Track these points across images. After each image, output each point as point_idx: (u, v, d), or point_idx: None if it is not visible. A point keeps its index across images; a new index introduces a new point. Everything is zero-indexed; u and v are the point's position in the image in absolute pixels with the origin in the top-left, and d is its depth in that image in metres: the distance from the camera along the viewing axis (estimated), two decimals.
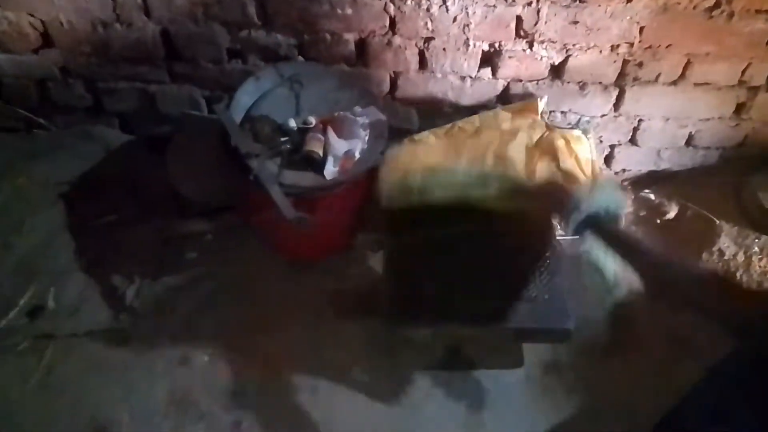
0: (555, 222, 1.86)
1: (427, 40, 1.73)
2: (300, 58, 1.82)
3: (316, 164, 1.55)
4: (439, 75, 1.81)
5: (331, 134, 1.58)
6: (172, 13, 1.75)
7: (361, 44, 1.77)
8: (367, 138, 1.61)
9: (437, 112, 1.92)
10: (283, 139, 1.60)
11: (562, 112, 1.90)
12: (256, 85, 1.68)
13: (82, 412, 1.57)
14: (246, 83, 1.67)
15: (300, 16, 1.71)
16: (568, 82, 1.80)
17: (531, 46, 1.72)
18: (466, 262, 1.65)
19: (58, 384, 1.61)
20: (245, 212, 1.68)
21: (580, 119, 1.90)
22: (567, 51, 1.72)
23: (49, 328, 1.68)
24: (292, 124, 1.61)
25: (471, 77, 1.81)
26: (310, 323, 1.73)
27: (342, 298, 1.77)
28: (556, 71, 1.78)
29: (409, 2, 1.64)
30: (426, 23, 1.68)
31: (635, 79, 1.77)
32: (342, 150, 1.56)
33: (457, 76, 1.81)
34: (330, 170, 1.54)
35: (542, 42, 1.70)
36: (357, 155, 1.59)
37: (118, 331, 1.69)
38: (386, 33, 1.73)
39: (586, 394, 1.63)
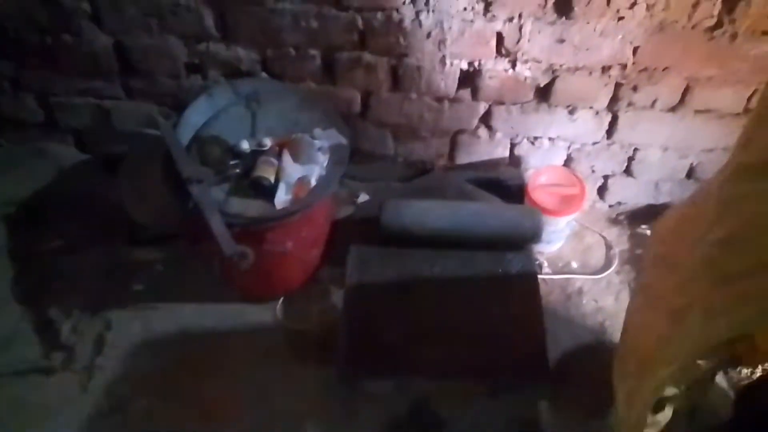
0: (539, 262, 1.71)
1: (400, 57, 1.58)
2: (264, 74, 1.67)
3: (267, 191, 1.39)
4: (414, 95, 1.65)
5: (286, 158, 1.42)
6: (124, 25, 1.61)
7: (329, 61, 1.62)
8: (325, 163, 1.45)
9: (413, 136, 1.76)
10: (233, 162, 1.44)
11: (550, 139, 1.73)
12: (208, 102, 1.53)
13: None
14: (197, 100, 1.52)
15: (261, 29, 1.56)
16: (556, 106, 1.63)
17: (514, 66, 1.55)
18: (435, 303, 1.49)
19: None
20: (190, 243, 1.52)
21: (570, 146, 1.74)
22: (554, 72, 1.55)
23: None
24: (245, 146, 1.46)
25: (449, 99, 1.65)
26: (262, 367, 1.55)
27: (299, 339, 1.59)
28: (542, 94, 1.61)
29: (379, 16, 1.49)
30: (398, 39, 1.53)
31: (629, 104, 1.60)
32: (296, 176, 1.40)
33: (434, 98, 1.65)
34: (281, 198, 1.38)
35: (526, 61, 1.54)
36: (313, 182, 1.42)
37: (46, 371, 1.52)
38: (355, 48, 1.58)
39: None
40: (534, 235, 1.56)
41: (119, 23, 1.61)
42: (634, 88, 1.55)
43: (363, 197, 1.88)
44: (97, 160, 1.93)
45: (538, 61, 1.54)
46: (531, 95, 1.62)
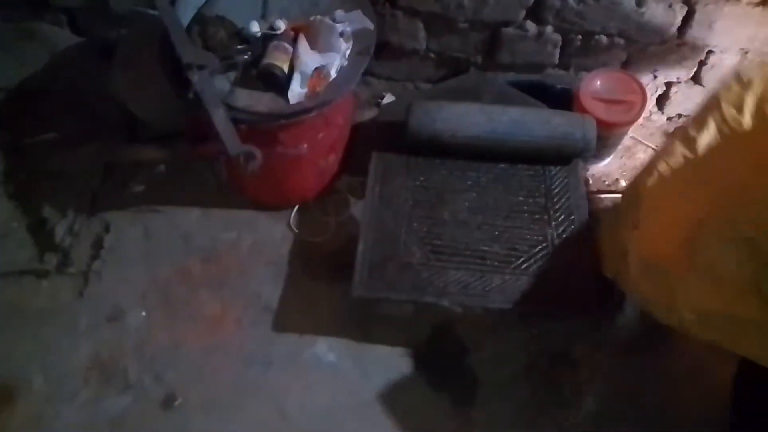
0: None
1: None
2: None
3: (279, 83, 1.19)
4: None
5: (302, 44, 1.21)
6: None
7: None
8: (347, 52, 1.24)
9: (449, 28, 1.52)
10: (240, 47, 1.24)
11: (608, 36, 1.48)
12: None
13: None
14: None
15: None
16: None
17: None
18: (465, 221, 1.32)
19: None
20: (193, 140, 1.34)
21: None
22: None
23: None
24: (256, 28, 1.25)
25: None
26: (271, 281, 1.42)
27: (312, 253, 1.45)
28: None
29: None
30: None
31: None
32: (313, 66, 1.19)
33: None
34: (295, 92, 1.18)
35: None
36: (333, 74, 1.22)
37: (39, 273, 1.41)
38: None
39: (601, 393, 1.30)
40: (585, 148, 1.37)
41: None
42: None
43: (388, 98, 1.68)
44: (94, 45, 1.73)
45: None
46: None
